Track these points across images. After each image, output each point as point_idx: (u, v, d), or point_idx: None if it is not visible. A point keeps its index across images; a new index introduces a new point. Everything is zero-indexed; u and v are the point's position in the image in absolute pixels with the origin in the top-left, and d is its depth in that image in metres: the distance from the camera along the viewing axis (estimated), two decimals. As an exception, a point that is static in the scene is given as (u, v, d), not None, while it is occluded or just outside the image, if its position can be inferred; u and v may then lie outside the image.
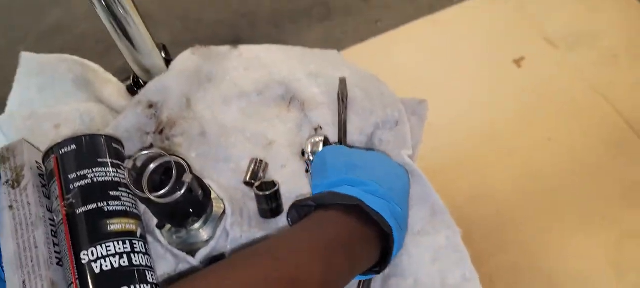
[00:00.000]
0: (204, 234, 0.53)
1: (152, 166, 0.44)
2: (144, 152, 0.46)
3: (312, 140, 0.55)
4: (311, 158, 0.55)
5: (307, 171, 0.56)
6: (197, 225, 0.52)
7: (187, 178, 0.44)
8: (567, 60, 1.46)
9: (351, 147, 0.56)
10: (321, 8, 1.66)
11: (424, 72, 1.47)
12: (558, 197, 1.26)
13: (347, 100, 0.59)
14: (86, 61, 0.64)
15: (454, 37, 1.54)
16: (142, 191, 0.44)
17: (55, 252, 0.49)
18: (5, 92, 0.64)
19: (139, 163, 0.45)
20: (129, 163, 0.45)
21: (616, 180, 1.27)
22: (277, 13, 1.67)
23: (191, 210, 0.48)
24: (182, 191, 0.44)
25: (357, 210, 0.45)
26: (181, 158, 0.45)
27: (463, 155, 1.32)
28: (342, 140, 0.56)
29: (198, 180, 0.47)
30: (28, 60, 0.65)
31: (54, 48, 1.66)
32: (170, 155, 0.45)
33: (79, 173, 0.50)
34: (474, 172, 1.30)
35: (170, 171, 0.45)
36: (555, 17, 1.54)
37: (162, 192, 0.43)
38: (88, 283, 0.45)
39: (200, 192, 0.47)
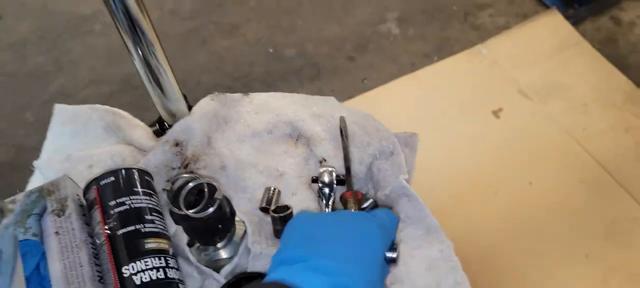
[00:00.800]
0: (228, 253, 0.59)
1: (190, 185, 0.51)
2: (181, 176, 0.53)
3: (322, 169, 0.63)
4: (320, 185, 0.63)
5: (319, 196, 0.64)
6: (221, 244, 0.58)
7: (219, 195, 0.51)
8: (541, 110, 1.57)
9: (324, 213, 0.59)
10: (311, 68, 1.77)
11: (409, 125, 1.52)
12: (543, 238, 1.31)
13: (348, 136, 0.67)
14: (116, 109, 0.72)
15: (435, 92, 1.64)
16: (180, 208, 0.51)
17: (97, 270, 0.55)
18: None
19: (175, 187, 0.53)
20: (167, 186, 0.53)
21: (597, 219, 1.33)
22: (269, 74, 1.78)
23: (220, 226, 0.55)
24: (214, 207, 0.51)
25: None
26: (212, 179, 0.53)
27: (448, 203, 1.38)
28: (349, 169, 0.64)
29: (226, 200, 0.54)
30: (62, 110, 0.73)
31: (58, 113, 1.73)
32: (202, 177, 0.52)
33: (117, 201, 0.57)
34: (459, 218, 1.35)
35: (202, 192, 0.52)
36: (528, 72, 1.65)
37: (197, 208, 0.51)
38: (131, 293, 0.51)
39: (228, 210, 0.54)
